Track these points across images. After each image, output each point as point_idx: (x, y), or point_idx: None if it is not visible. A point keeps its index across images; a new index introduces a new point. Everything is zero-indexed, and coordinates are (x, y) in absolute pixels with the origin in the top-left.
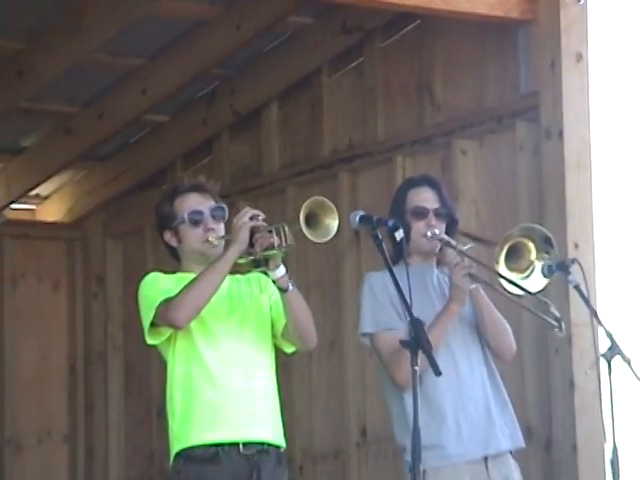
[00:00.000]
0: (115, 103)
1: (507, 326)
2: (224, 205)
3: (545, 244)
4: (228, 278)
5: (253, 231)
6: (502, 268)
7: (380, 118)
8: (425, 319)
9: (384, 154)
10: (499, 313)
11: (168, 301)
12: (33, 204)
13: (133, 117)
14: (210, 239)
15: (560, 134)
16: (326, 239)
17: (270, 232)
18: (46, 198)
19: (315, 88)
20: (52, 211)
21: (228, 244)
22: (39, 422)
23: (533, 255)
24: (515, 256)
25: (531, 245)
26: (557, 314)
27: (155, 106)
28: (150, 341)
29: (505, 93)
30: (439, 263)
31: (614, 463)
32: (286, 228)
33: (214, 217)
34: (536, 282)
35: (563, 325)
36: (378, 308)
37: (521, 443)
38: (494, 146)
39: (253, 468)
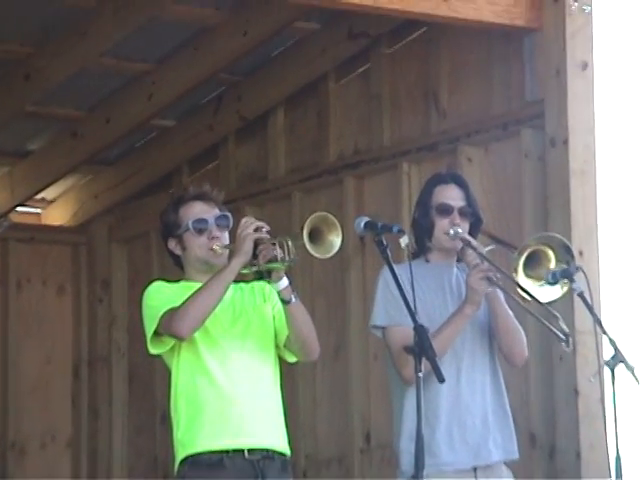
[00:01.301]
0: (121, 108)
1: (521, 331)
2: (228, 214)
3: (565, 253)
4: (232, 287)
5: (257, 243)
6: (520, 275)
7: (386, 124)
8: (438, 320)
9: (390, 160)
10: (514, 318)
11: (172, 311)
12: (39, 208)
13: (139, 122)
14: (214, 247)
15: (565, 142)
16: (328, 255)
17: (274, 244)
18: (52, 202)
19: (321, 94)
20: (58, 215)
21: (232, 254)
22: (43, 426)
23: (552, 264)
24: (534, 263)
25: (551, 254)
26: (565, 329)
27: (161, 111)
28: (153, 351)
29: (510, 100)
30: (459, 260)
31: (618, 471)
32: (289, 242)
33: (218, 225)
34: (551, 291)
35: (570, 340)
36: (391, 302)
37: (514, 455)
38: (499, 153)
39: (258, 474)
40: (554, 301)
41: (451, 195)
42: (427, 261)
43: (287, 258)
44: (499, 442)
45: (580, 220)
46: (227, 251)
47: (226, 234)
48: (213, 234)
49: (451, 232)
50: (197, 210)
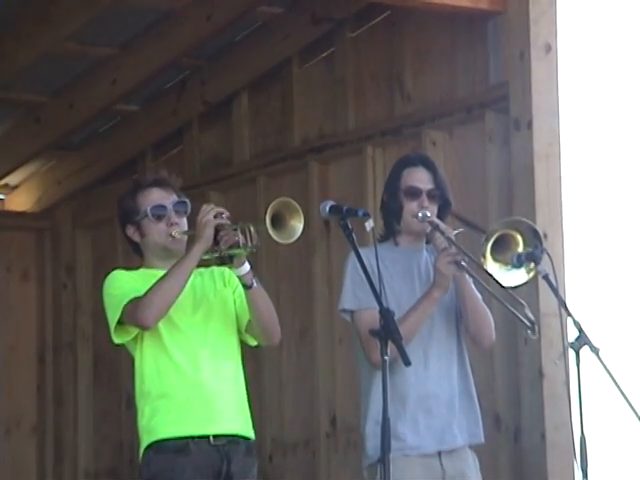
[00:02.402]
0: (85, 92)
1: (489, 314)
2: (186, 200)
3: (533, 237)
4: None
5: (218, 229)
6: (488, 260)
7: (350, 108)
8: (406, 304)
9: (354, 144)
10: (482, 300)
11: (135, 301)
12: (2, 194)
13: (103, 107)
14: (173, 234)
15: (529, 125)
16: (291, 241)
17: (235, 230)
18: (15, 188)
19: (285, 78)
20: (21, 201)
21: (192, 240)
22: (8, 413)
23: (520, 248)
24: (502, 247)
25: (519, 238)
26: (531, 317)
27: (125, 96)
28: (117, 340)
29: (475, 84)
30: (428, 242)
31: (582, 452)
32: (251, 228)
33: (177, 212)
34: (519, 275)
35: (536, 328)
36: (360, 286)
37: (480, 439)
38: (464, 137)
39: (223, 459)
40: (521, 285)
41: (419, 178)
42: (396, 244)
43: (249, 244)
44: (464, 426)
45: (544, 203)
46: (186, 237)
47: (184, 220)
48: (172, 220)
49: (420, 215)
50: (155, 196)
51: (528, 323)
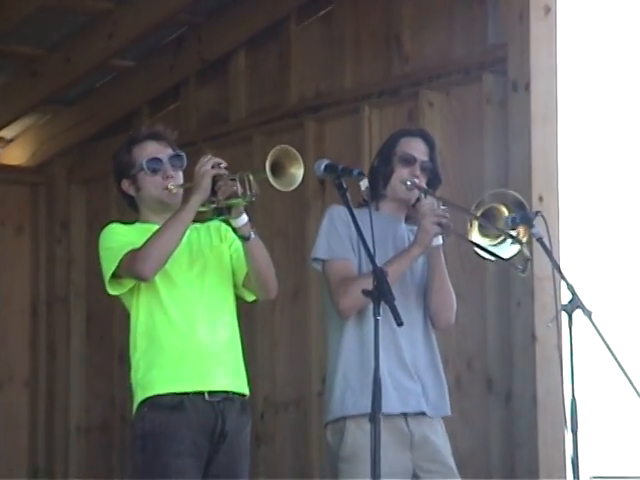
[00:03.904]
0: (82, 47)
1: (453, 296)
2: (182, 153)
3: (519, 209)
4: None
5: (216, 179)
6: (475, 232)
7: (348, 68)
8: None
9: (351, 104)
10: (449, 281)
11: (133, 253)
12: None
13: (99, 61)
14: (169, 187)
15: (527, 86)
16: (291, 188)
17: (233, 180)
18: (10, 141)
19: (283, 36)
20: (16, 155)
21: (189, 193)
22: (0, 366)
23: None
24: (489, 222)
25: (504, 210)
26: (528, 255)
27: (122, 51)
28: (112, 292)
29: (473, 45)
30: (407, 219)
31: (573, 415)
32: (250, 177)
33: (173, 165)
34: (509, 248)
35: (528, 266)
36: (335, 238)
37: (446, 412)
38: (461, 98)
39: (218, 415)
40: (511, 258)
41: (416, 147)
42: (377, 209)
43: (248, 193)
44: (431, 397)
45: (541, 165)
46: (182, 190)
47: (180, 174)
48: (167, 173)
49: (408, 183)
50: (151, 150)
51: (519, 265)
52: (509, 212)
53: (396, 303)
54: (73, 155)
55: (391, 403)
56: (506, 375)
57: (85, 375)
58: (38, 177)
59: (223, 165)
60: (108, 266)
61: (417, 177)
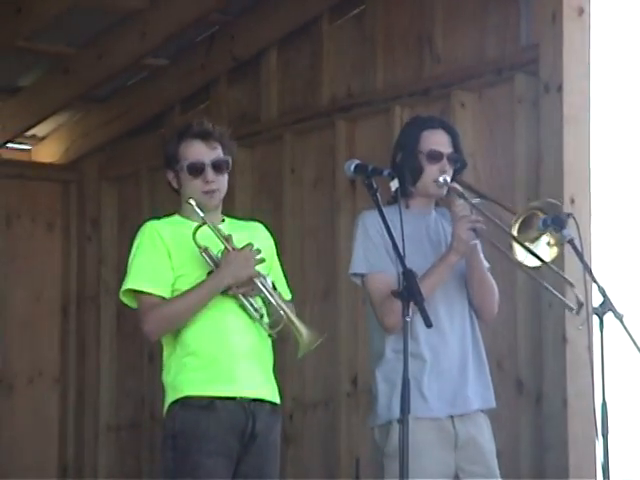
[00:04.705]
0: (114, 45)
1: (494, 288)
2: (228, 158)
3: (552, 210)
4: (228, 225)
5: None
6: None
7: (379, 68)
8: (417, 267)
9: (382, 104)
10: (489, 274)
11: (150, 307)
12: (29, 144)
13: (132, 60)
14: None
15: (559, 88)
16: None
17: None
18: (42, 139)
19: (315, 35)
20: (48, 152)
21: (221, 274)
22: (31, 363)
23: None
24: (525, 226)
25: (539, 214)
26: (581, 299)
27: (154, 49)
28: (124, 300)
29: (505, 45)
30: (437, 204)
31: (603, 419)
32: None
33: (215, 169)
34: (541, 254)
35: (582, 308)
36: (371, 249)
37: (492, 404)
38: (493, 99)
39: (249, 416)
40: (547, 262)
41: (440, 141)
42: (407, 207)
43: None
44: (478, 390)
45: (573, 167)
46: (221, 193)
47: (224, 177)
48: (208, 178)
49: (440, 180)
50: (195, 151)
51: (571, 305)
52: (543, 214)
53: (440, 297)
54: (105, 153)
55: (438, 406)
56: (536, 376)
57: (115, 373)
58: (70, 174)
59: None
60: (129, 280)
61: (447, 172)
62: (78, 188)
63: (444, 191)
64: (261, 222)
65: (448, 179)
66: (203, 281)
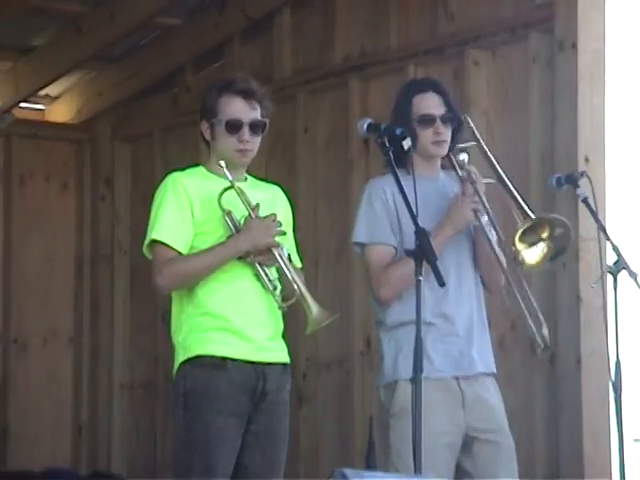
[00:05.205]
0: (126, 4)
1: (502, 264)
2: (266, 121)
3: (563, 230)
4: (251, 186)
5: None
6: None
7: (393, 26)
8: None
9: (396, 63)
10: (495, 249)
11: (168, 259)
12: (42, 104)
13: (144, 19)
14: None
15: (574, 46)
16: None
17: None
18: (56, 98)
19: None
20: (61, 112)
21: (240, 238)
22: (45, 323)
23: (545, 236)
24: (530, 232)
25: (548, 228)
26: (547, 337)
27: (166, 8)
28: (148, 256)
29: (519, 4)
30: (443, 167)
31: (617, 377)
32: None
33: (252, 129)
34: (533, 256)
35: (545, 347)
36: (373, 220)
37: (493, 369)
38: (507, 57)
39: (259, 376)
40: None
41: (431, 103)
42: (408, 173)
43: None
44: (482, 354)
45: (587, 125)
46: (253, 153)
47: (258, 139)
48: (244, 138)
49: (460, 159)
50: (235, 107)
51: (540, 341)
52: (550, 232)
53: (448, 259)
54: (118, 112)
55: (443, 367)
56: (550, 336)
57: (129, 332)
58: (83, 134)
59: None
60: (151, 232)
61: (442, 133)
62: (91, 147)
63: (444, 150)
64: (281, 187)
65: (463, 159)
66: (221, 243)
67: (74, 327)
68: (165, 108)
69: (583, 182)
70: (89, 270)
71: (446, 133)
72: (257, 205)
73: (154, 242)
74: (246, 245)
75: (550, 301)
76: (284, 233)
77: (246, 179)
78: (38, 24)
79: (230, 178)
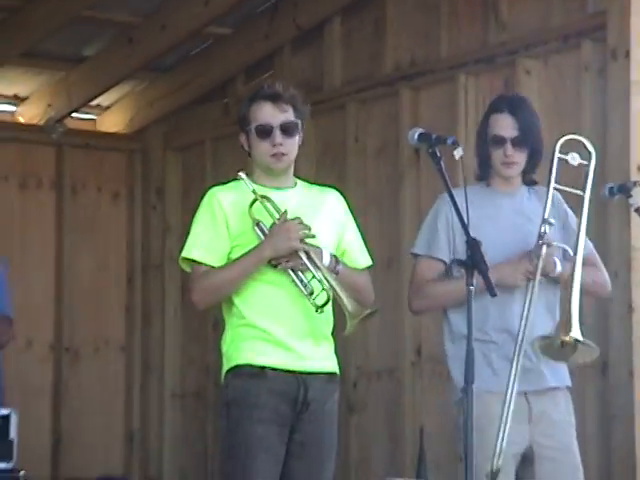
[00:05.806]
0: (178, 14)
1: (596, 280)
2: (297, 121)
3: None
4: (299, 190)
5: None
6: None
7: (444, 35)
8: (488, 247)
9: (447, 72)
10: (590, 281)
11: (200, 277)
12: (94, 114)
13: (195, 29)
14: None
15: (627, 54)
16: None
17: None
18: (107, 108)
19: (379, 3)
20: (113, 122)
21: (266, 245)
22: (96, 332)
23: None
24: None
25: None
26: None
27: (217, 18)
28: (184, 267)
29: (571, 12)
30: (531, 184)
31: None
32: (328, 283)
33: (284, 131)
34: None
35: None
36: (433, 234)
37: (567, 382)
38: (559, 66)
39: (300, 385)
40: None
41: (504, 125)
42: (487, 185)
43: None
44: (553, 368)
45: None
46: (290, 156)
47: (293, 140)
48: (276, 141)
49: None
50: (264, 113)
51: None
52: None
53: None
54: (169, 122)
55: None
56: (602, 346)
57: (180, 341)
58: (134, 144)
59: (309, 234)
60: (185, 248)
61: (510, 155)
62: (143, 157)
63: (513, 171)
64: (338, 190)
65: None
66: (246, 252)
67: (125, 336)
68: (216, 118)
69: (636, 191)
70: (140, 280)
71: (515, 155)
72: (285, 211)
73: (190, 260)
74: (268, 251)
75: (602, 310)
76: (313, 236)
77: (295, 184)
78: (89, 34)
79: (251, 188)
